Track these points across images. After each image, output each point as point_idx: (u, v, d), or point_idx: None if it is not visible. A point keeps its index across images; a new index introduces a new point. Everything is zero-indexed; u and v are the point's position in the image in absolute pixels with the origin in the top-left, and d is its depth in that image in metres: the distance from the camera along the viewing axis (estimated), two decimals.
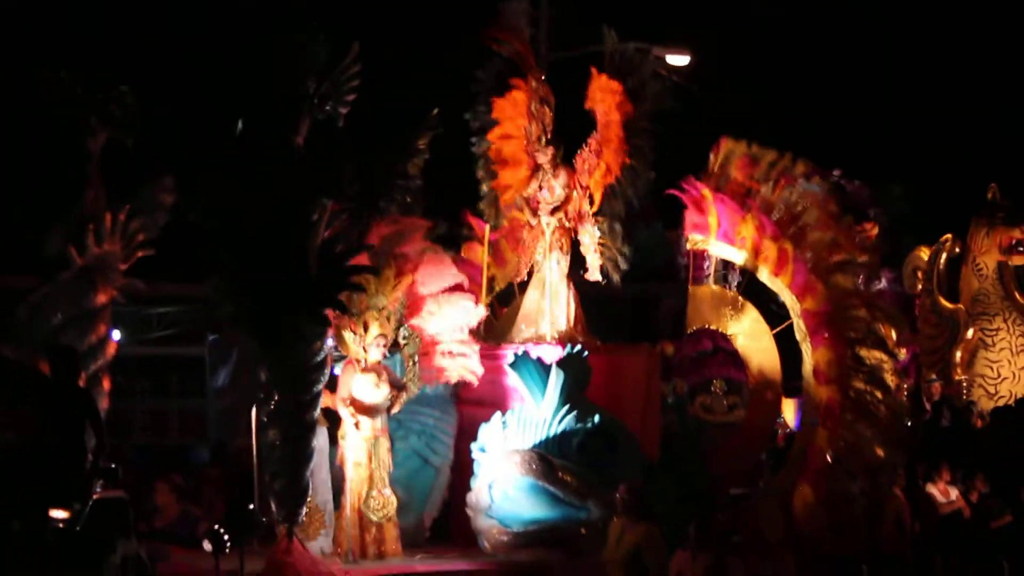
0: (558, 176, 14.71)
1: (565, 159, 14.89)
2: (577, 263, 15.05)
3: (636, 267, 16.17)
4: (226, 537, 11.19)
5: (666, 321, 18.57)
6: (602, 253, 14.97)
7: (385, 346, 13.12)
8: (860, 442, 13.77)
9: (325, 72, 12.27)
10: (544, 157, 14.75)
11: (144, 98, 12.52)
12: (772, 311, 15.52)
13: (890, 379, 14.14)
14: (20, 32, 18.29)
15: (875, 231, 20.40)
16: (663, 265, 19.22)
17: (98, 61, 13.58)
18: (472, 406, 14.08)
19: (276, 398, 11.70)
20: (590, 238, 14.87)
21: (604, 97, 14.74)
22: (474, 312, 13.76)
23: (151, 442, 18.99)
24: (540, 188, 14.77)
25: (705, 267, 16.39)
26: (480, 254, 14.76)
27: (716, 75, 21.70)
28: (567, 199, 14.70)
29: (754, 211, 14.64)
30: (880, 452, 13.79)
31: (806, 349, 14.47)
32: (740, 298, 15.67)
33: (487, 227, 14.92)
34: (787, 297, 14.70)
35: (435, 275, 13.56)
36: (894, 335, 15.45)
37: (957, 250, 19.57)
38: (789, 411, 18.06)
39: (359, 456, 12.94)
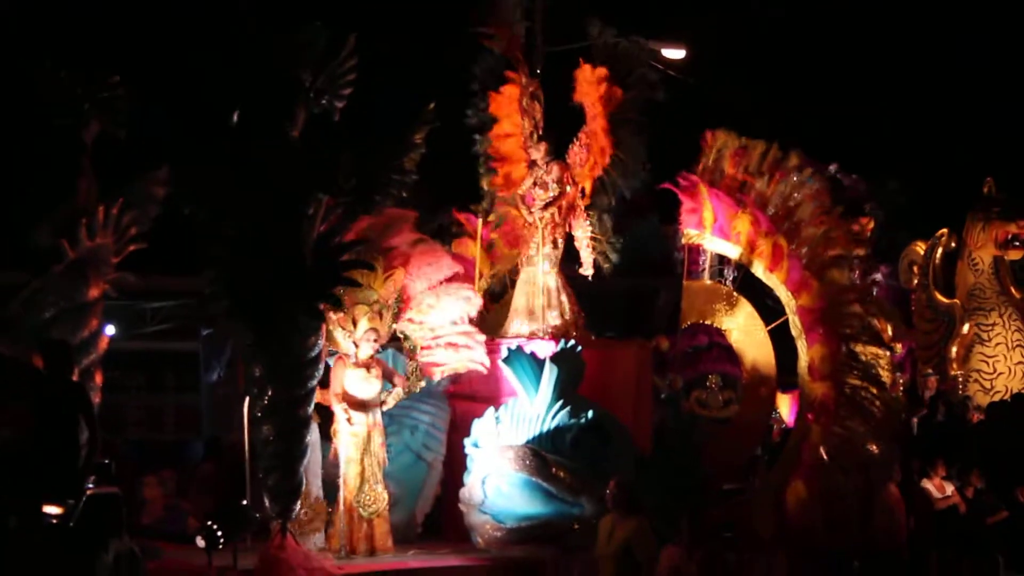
0: (551, 171, 14.65)
1: (560, 153, 14.85)
2: (573, 259, 15.01)
3: (632, 261, 16.16)
4: (219, 533, 11.17)
5: (662, 316, 18.58)
6: (594, 247, 14.94)
7: (376, 340, 13.04)
8: (854, 438, 13.79)
9: (321, 65, 12.20)
10: (537, 153, 14.70)
11: (138, 91, 12.48)
12: (768, 306, 15.51)
13: (885, 375, 14.15)
14: (18, 30, 18.25)
15: (871, 225, 20.42)
16: (659, 259, 19.23)
17: (93, 54, 13.54)
18: (465, 401, 14.04)
19: (270, 393, 11.66)
20: (583, 232, 14.84)
21: (589, 89, 14.71)
22: (474, 301, 13.70)
23: (146, 438, 18.95)
24: (534, 184, 14.73)
25: (701, 262, 16.39)
26: (472, 249, 14.73)
27: (712, 69, 21.66)
28: (561, 194, 14.66)
29: (749, 206, 14.64)
30: (874, 448, 13.80)
31: (801, 345, 14.47)
32: (734, 293, 15.67)
33: (479, 221, 14.88)
34: (782, 293, 14.70)
35: (431, 267, 13.48)
36: (889, 330, 15.48)
37: (953, 244, 19.58)
38: (785, 406, 18.06)
39: (352, 452, 12.88)
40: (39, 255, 11.91)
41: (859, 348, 14.12)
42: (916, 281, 19.82)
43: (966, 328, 19.11)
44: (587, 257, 14.89)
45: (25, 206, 12.15)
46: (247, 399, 11.93)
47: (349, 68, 12.32)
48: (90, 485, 10.02)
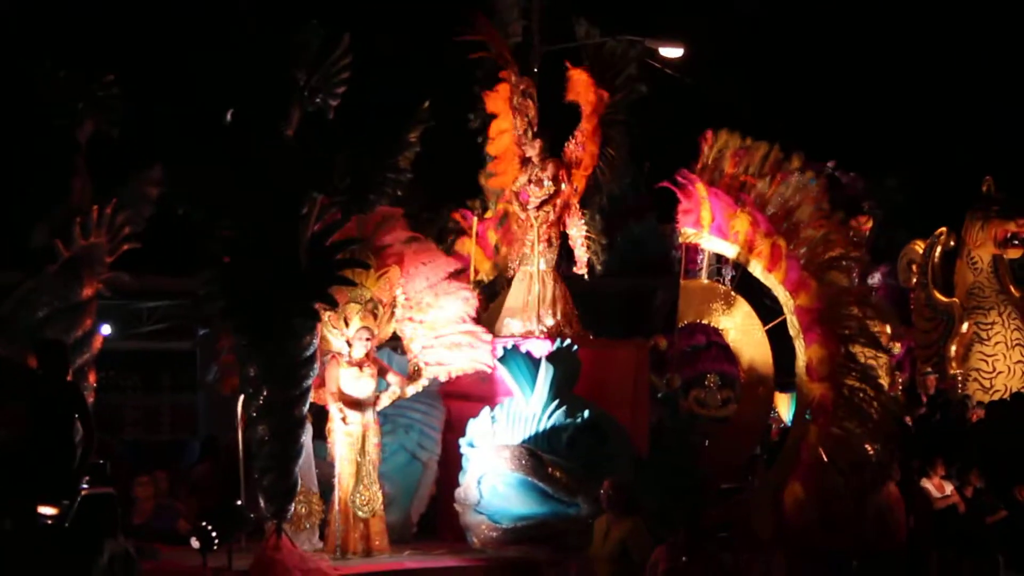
0: (546, 169, 14.60)
1: (556, 151, 14.80)
2: (568, 258, 14.97)
3: (629, 260, 16.13)
4: (214, 534, 11.13)
5: (660, 315, 18.54)
6: (588, 246, 14.89)
7: (370, 339, 12.99)
8: (852, 439, 13.75)
9: (315, 64, 12.17)
10: (532, 151, 14.65)
11: (133, 90, 12.46)
12: (765, 306, 15.47)
13: (883, 376, 14.12)
14: (18, 30, 18.23)
15: (869, 224, 20.41)
16: (657, 258, 19.20)
17: (90, 54, 13.52)
18: (460, 401, 13.98)
19: (265, 393, 11.62)
20: (577, 231, 14.79)
21: (578, 89, 14.69)
22: (472, 301, 13.66)
23: (142, 438, 18.92)
24: (529, 182, 14.68)
25: (698, 261, 16.34)
26: (468, 247, 14.69)
27: (710, 67, 21.64)
28: (556, 192, 14.61)
29: (748, 206, 14.60)
30: (871, 449, 13.77)
31: (799, 345, 14.43)
32: (731, 292, 15.63)
33: (475, 219, 14.84)
34: (780, 293, 14.66)
35: (426, 266, 13.44)
36: (888, 331, 15.44)
37: (952, 243, 19.57)
38: (784, 406, 18.03)
39: (346, 451, 12.84)
40: (33, 254, 11.90)
41: (857, 350, 14.08)
42: (915, 280, 19.80)
43: (965, 327, 19.09)
44: (582, 256, 14.83)
45: (24, 206, 12.15)
46: (241, 399, 11.91)
47: (343, 67, 12.28)
48: (85, 485, 10.01)
